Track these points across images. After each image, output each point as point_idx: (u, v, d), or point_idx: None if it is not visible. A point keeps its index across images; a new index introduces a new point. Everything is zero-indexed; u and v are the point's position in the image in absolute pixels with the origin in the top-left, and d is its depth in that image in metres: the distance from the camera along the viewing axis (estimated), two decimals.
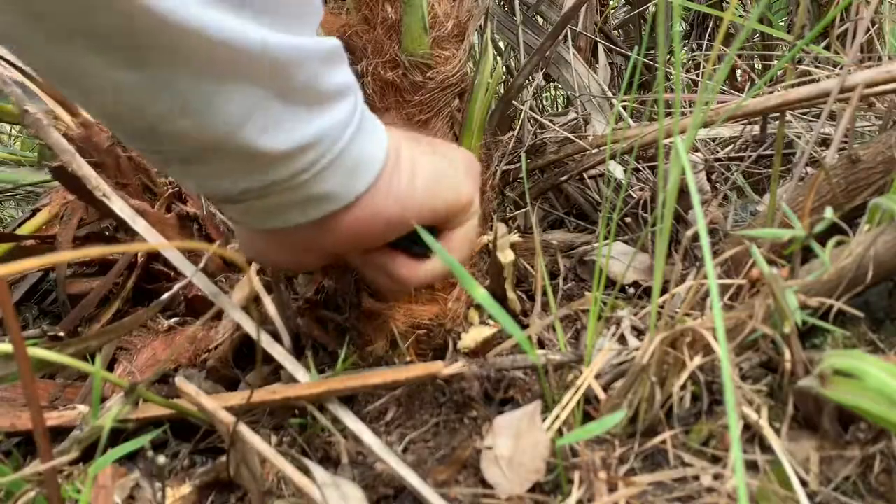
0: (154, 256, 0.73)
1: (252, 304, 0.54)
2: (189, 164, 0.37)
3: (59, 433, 0.47)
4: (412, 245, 0.45)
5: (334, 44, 0.37)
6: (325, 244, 0.42)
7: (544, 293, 0.58)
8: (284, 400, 0.45)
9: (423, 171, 0.43)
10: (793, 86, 0.59)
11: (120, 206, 0.53)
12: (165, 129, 0.34)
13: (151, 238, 0.52)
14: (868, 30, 1.04)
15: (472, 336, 0.54)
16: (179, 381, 0.44)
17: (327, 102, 0.37)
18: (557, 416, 0.42)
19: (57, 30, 0.29)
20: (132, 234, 0.69)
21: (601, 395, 0.44)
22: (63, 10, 0.29)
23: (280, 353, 0.47)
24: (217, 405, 0.42)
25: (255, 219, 0.41)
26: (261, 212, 0.40)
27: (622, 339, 0.51)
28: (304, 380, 0.46)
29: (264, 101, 0.34)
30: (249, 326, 0.47)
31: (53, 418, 0.49)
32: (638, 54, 0.56)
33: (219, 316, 0.64)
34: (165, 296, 0.54)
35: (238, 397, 0.45)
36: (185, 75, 0.32)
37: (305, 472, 0.39)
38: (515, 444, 0.41)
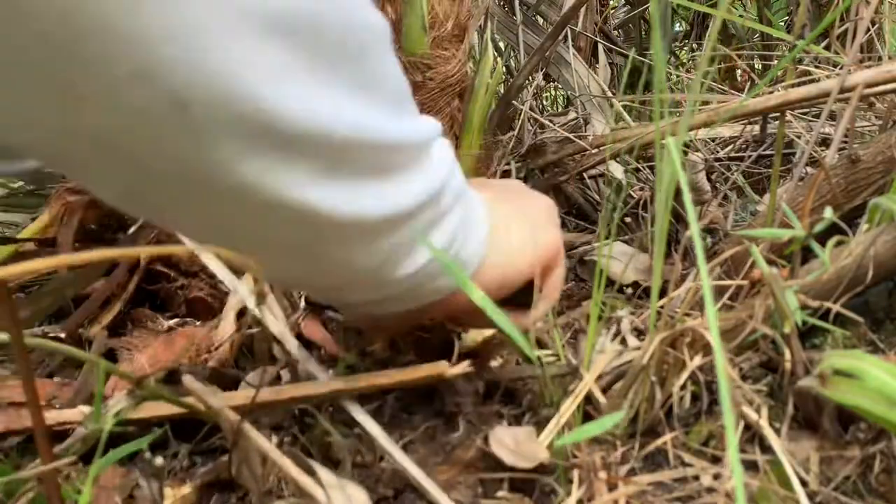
0: (155, 256, 0.73)
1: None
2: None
3: (59, 433, 0.47)
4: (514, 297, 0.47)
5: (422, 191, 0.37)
6: (447, 310, 0.44)
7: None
8: (290, 400, 0.45)
9: (517, 233, 0.45)
10: (793, 86, 0.59)
11: None
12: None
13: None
14: (868, 30, 1.04)
15: (473, 336, 0.54)
16: (187, 379, 0.44)
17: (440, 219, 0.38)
18: (558, 417, 0.42)
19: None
20: (132, 237, 0.69)
21: (601, 396, 0.44)
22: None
23: (294, 348, 0.47)
24: (223, 404, 0.42)
25: (384, 310, 0.42)
26: (390, 304, 0.42)
27: (622, 340, 0.51)
28: (320, 376, 0.46)
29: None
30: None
31: (52, 418, 0.49)
32: (638, 55, 0.56)
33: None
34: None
35: (244, 396, 0.45)
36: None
37: (309, 472, 0.39)
38: (516, 444, 0.41)
